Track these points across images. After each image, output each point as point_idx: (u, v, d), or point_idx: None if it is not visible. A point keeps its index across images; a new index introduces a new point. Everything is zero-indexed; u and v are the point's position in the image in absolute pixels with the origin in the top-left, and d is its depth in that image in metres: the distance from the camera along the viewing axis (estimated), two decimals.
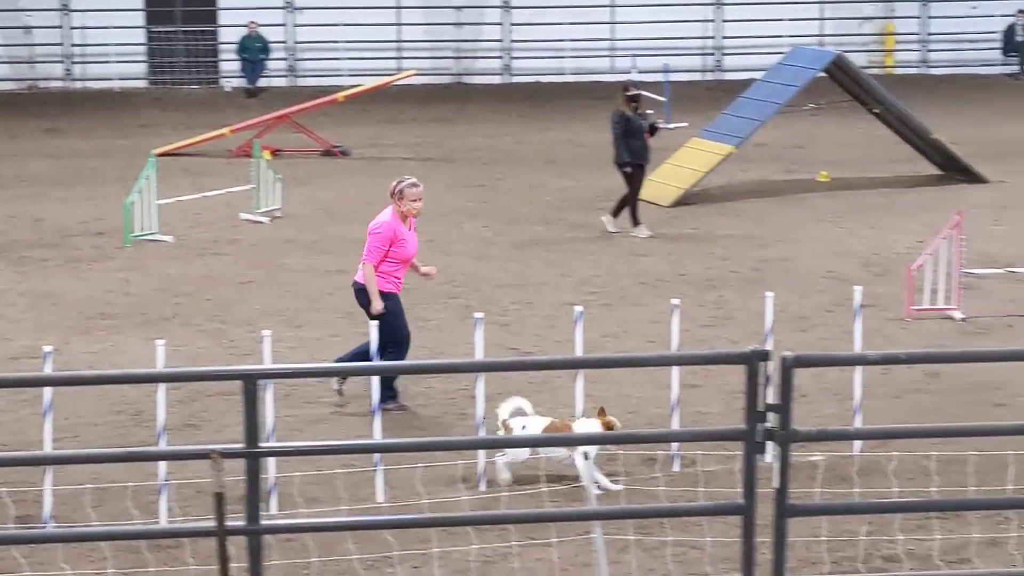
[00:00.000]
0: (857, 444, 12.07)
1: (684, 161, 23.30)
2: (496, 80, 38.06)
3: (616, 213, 20.80)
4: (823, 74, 24.32)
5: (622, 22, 37.61)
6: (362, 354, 12.95)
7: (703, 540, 10.15)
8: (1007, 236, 20.34)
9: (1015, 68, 37.18)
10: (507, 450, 11.51)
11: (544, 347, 15.53)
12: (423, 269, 13.92)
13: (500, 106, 34.40)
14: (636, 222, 20.62)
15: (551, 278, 18.54)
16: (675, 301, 11.97)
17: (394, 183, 13.49)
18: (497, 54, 38.29)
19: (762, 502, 7.57)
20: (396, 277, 13.49)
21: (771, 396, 7.55)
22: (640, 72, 32.08)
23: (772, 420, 7.40)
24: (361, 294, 13.48)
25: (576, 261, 19.40)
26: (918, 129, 24.46)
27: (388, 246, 13.30)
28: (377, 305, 13.24)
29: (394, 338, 13.22)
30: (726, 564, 9.86)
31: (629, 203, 20.74)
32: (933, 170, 24.75)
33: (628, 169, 20.53)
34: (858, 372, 12.33)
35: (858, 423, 12.13)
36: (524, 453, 11.57)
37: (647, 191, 21.49)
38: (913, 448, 11.62)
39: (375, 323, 11.94)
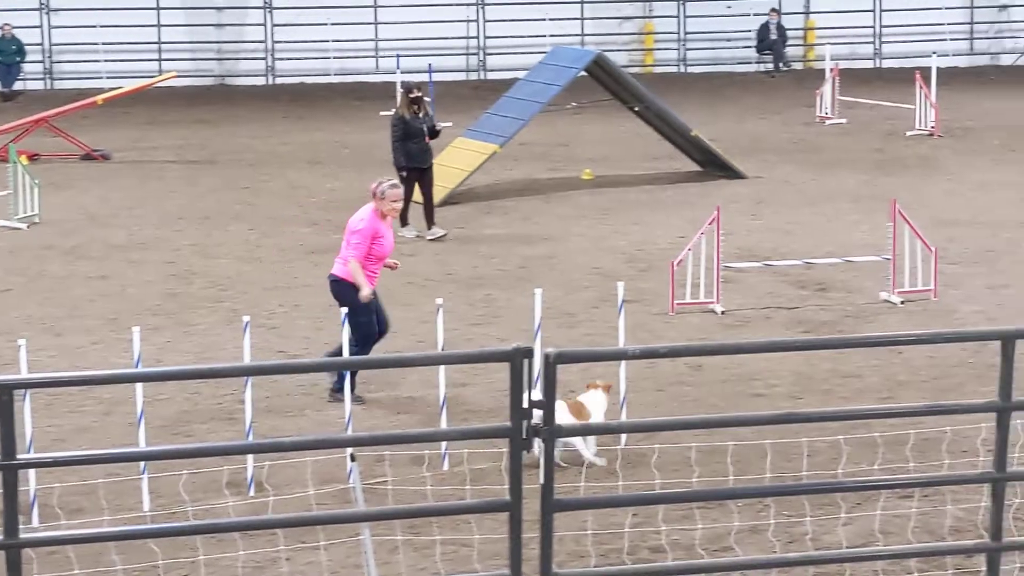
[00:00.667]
0: (623, 437, 12.27)
1: (449, 161, 23.36)
2: (259, 81, 37.71)
3: (404, 221, 20.51)
4: (584, 73, 24.62)
5: (386, 22, 37.58)
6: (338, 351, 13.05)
7: (472, 538, 10.20)
8: (764, 230, 20.84)
9: (769, 66, 38.12)
10: None
11: (313, 349, 15.45)
12: (388, 262, 14.28)
13: (264, 107, 34.09)
14: (404, 223, 20.57)
15: (319, 280, 18.36)
16: (440, 301, 12.02)
17: (375, 184, 13.94)
18: (260, 55, 37.94)
19: (531, 498, 7.64)
20: (372, 271, 13.90)
21: (537, 392, 7.62)
22: (404, 72, 32.04)
23: (537, 416, 7.46)
24: (337, 286, 13.83)
25: None
26: (678, 127, 24.92)
27: (371, 242, 13.74)
28: (366, 291, 13.66)
29: (360, 332, 13.52)
30: (495, 561, 9.92)
31: (424, 204, 20.57)
32: (693, 166, 25.23)
33: (404, 173, 20.41)
34: (622, 366, 12.52)
35: (624, 416, 12.32)
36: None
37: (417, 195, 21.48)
38: (677, 440, 11.86)
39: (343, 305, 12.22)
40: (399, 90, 21.08)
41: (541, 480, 7.38)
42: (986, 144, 27.60)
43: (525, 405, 7.37)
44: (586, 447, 11.83)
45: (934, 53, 31.53)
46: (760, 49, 38.27)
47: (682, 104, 30.10)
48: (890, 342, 8.94)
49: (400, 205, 14.32)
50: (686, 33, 38.98)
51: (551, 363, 7.34)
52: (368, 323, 13.82)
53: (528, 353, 7.30)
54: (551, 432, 7.32)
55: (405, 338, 15.75)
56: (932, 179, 24.38)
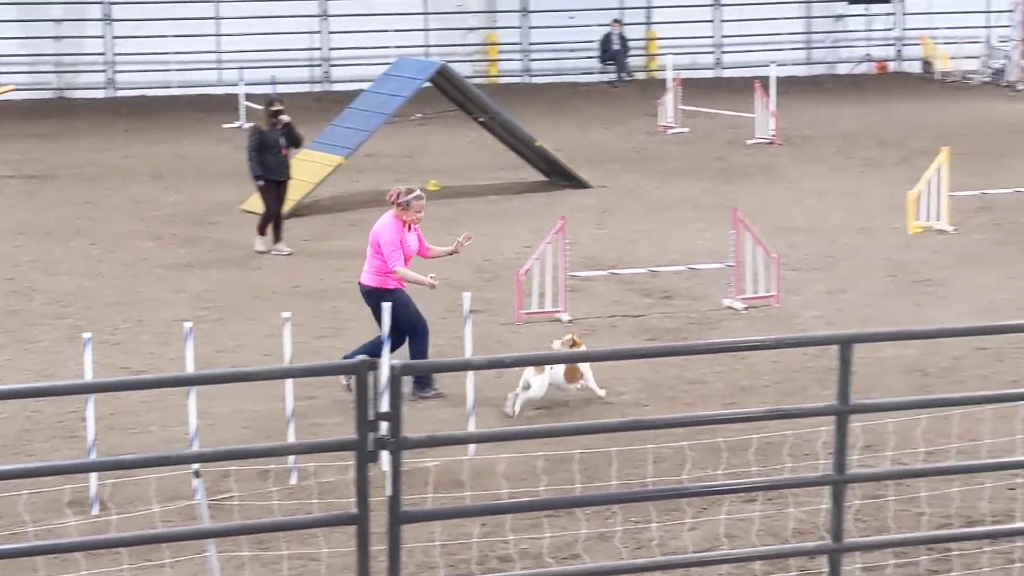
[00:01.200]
0: (472, 447, 12.29)
1: (295, 173, 23.18)
2: (100, 94, 37.18)
3: (262, 231, 20.39)
4: (429, 84, 24.63)
5: (228, 34, 37.28)
6: (376, 347, 13.16)
7: (321, 552, 10.15)
8: (609, 239, 21.01)
9: (613, 76, 38.45)
10: (533, 384, 13.39)
11: (157, 365, 15.27)
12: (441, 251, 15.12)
13: (105, 120, 33.60)
14: (278, 238, 20.36)
15: (162, 295, 18.23)
16: (286, 314, 11.94)
17: (395, 193, 14.38)
18: (100, 67, 37.41)
19: (380, 510, 7.63)
20: (394, 276, 14.34)
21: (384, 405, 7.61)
22: (248, 84, 31.84)
23: (384, 428, 7.45)
24: (370, 296, 14.27)
25: (188, 277, 19.13)
26: (522, 137, 25.04)
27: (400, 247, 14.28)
28: (426, 280, 14.47)
29: (413, 327, 14.30)
30: (344, 574, 9.88)
31: (268, 219, 20.39)
32: (538, 176, 25.36)
33: (261, 183, 20.25)
34: (470, 377, 12.54)
35: (472, 427, 12.34)
36: (543, 389, 13.46)
37: (256, 203, 21.33)
38: (525, 449, 11.90)
39: (386, 318, 12.39)
40: (242, 104, 20.82)
41: (388, 492, 7.36)
42: (824, 152, 28.10)
43: (371, 417, 7.36)
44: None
45: (773, 63, 32.04)
46: (603, 59, 38.60)
47: (527, 114, 30.26)
48: (733, 348, 9.08)
49: (423, 216, 14.62)
50: (530, 43, 39.19)
51: (396, 375, 7.34)
52: (416, 314, 14.40)
53: (373, 365, 7.28)
54: (398, 444, 7.32)
55: (251, 352, 15.64)
56: (773, 187, 24.76)
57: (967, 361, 14.93)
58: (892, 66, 40.49)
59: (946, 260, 19.41)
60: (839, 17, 40.62)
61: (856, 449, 10.90)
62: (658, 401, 14.01)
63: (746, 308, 17.13)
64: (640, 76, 39.18)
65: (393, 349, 13.29)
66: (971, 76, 37.67)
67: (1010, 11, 37.43)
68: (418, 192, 14.51)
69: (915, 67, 39.96)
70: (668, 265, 18.93)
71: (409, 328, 14.24)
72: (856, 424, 10.65)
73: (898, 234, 20.91)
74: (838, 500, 8.07)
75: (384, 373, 7.45)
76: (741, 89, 33.90)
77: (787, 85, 35.01)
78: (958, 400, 9.58)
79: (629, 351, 9.65)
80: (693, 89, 34.50)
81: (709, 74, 39.48)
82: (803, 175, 25.72)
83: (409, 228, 14.43)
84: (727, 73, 39.41)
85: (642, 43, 39.75)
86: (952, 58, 38.08)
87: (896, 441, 11.25)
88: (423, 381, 14.08)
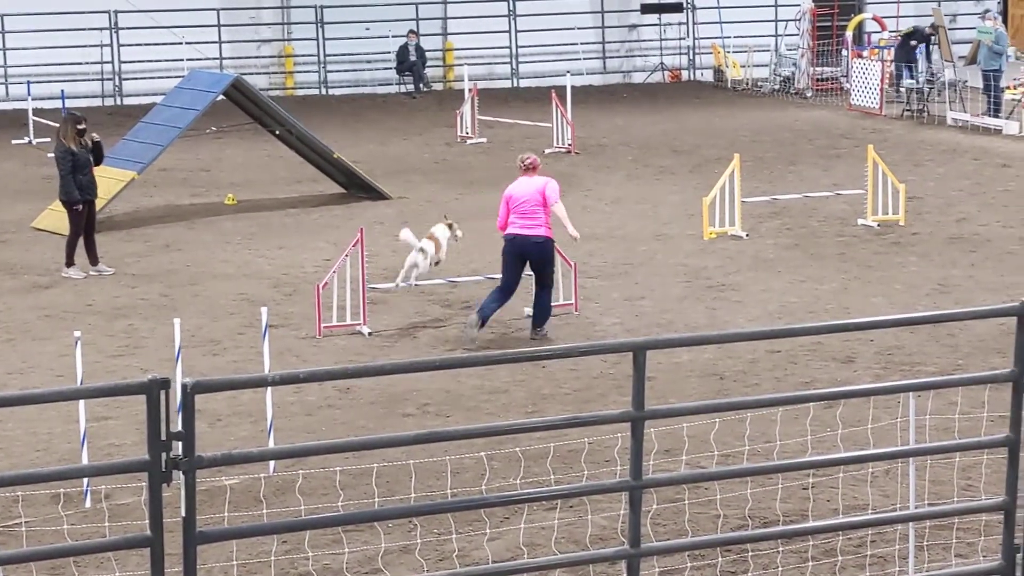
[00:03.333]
0: (272, 464, 12.17)
1: None
2: None
3: (71, 260, 19.74)
4: (223, 97, 24.37)
5: (15, 48, 36.47)
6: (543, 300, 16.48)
7: None
8: (409, 250, 20.92)
9: (410, 87, 38.46)
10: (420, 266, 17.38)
11: None
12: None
13: None
14: (95, 260, 19.82)
15: None
16: (78, 333, 11.71)
17: (532, 157, 16.90)
18: None
19: (177, 531, 7.50)
20: None
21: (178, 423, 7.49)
22: (37, 99, 31.18)
23: (178, 448, 7.33)
24: (546, 246, 16.37)
25: None
26: (320, 149, 24.90)
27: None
28: (575, 231, 16.77)
29: (551, 277, 16.72)
30: None
31: (75, 244, 19.81)
32: (337, 189, 25.25)
33: (79, 207, 19.70)
34: (268, 393, 12.43)
35: (271, 443, 12.23)
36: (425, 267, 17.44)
37: (47, 221, 20.86)
38: (326, 464, 11.83)
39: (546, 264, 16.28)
40: (31, 119, 20.31)
41: (183, 512, 7.25)
42: (620, 160, 28.43)
43: (164, 437, 7.24)
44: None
45: (568, 72, 32.35)
46: (400, 71, 38.58)
47: (324, 126, 30.14)
48: (528, 358, 9.14)
49: None
50: (326, 55, 39.01)
51: (189, 393, 7.23)
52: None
53: (165, 384, 7.16)
54: (191, 464, 7.21)
55: (42, 374, 15.31)
56: (570, 195, 24.91)
57: (761, 364, 15.23)
58: (685, 75, 41.15)
59: (740, 265, 19.77)
60: (633, 27, 41.17)
61: (653, 454, 11.05)
62: (459, 411, 14.03)
63: None
64: (438, 87, 39.25)
65: (494, 312, 16.30)
66: (761, 84, 38.44)
67: (797, 20, 38.26)
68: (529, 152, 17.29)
69: (707, 75, 40.65)
70: (469, 275, 18.98)
71: (551, 278, 16.64)
72: (653, 429, 10.81)
73: (693, 240, 21.25)
74: (635, 505, 8.15)
75: (178, 392, 7.34)
76: (538, 99, 34.20)
77: (583, 94, 35.41)
78: (750, 403, 9.75)
79: (429, 363, 9.65)
80: (491, 99, 34.69)
81: (506, 84, 39.70)
82: (600, 183, 26.00)
83: None
84: (524, 83, 39.68)
85: (439, 54, 39.83)
86: (743, 66, 38.83)
87: (693, 445, 11.42)
88: (543, 320, 16.53)
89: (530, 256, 16.42)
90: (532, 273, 16.60)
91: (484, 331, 16.49)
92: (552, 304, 16.74)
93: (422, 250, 17.91)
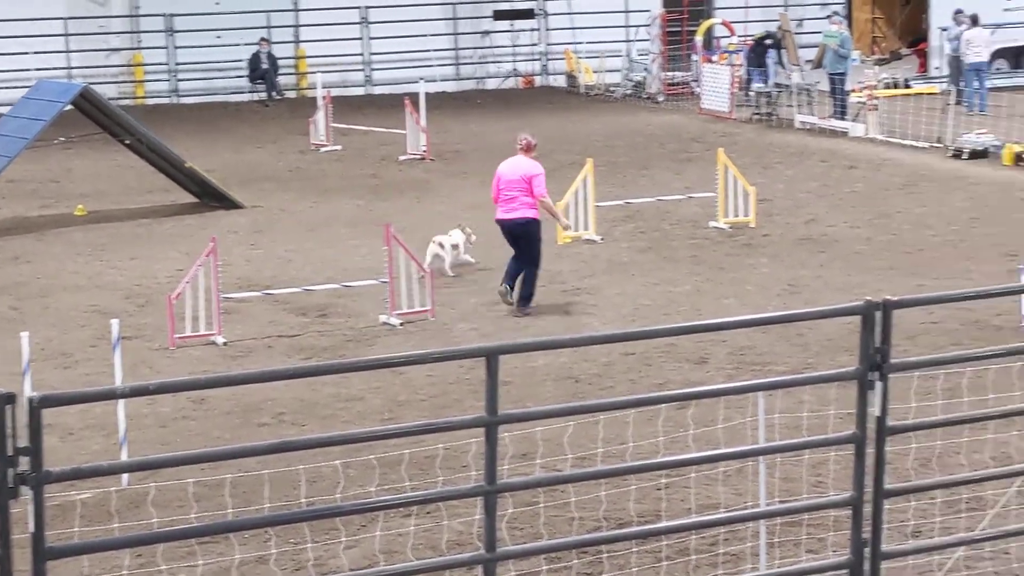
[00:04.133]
0: (125, 478, 12.03)
1: None
2: None
3: None
4: (72, 107, 24.05)
5: None
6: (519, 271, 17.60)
7: None
8: (264, 259, 20.88)
9: (263, 95, 38.23)
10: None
11: None
12: None
13: None
14: None
15: None
16: None
17: (529, 139, 17.79)
18: None
19: (27, 547, 7.39)
20: None
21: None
22: None
23: (25, 463, 7.23)
24: (529, 227, 17.50)
25: None
26: (172, 159, 24.66)
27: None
28: (565, 220, 18.97)
29: (537, 256, 17.75)
30: None
31: None
32: (190, 198, 25.03)
33: None
34: (120, 406, 12.29)
35: (124, 456, 12.08)
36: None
37: None
38: (179, 476, 11.71)
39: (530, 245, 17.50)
40: None
41: (32, 528, 7.15)
42: (475, 166, 28.46)
43: (10, 452, 7.13)
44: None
45: (421, 79, 32.37)
46: (252, 78, 38.33)
47: (176, 136, 29.86)
48: (382, 364, 9.13)
49: None
50: (176, 64, 38.63)
51: (35, 408, 7.13)
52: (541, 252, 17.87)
53: (10, 398, 7.06)
54: (39, 479, 7.11)
55: None
56: (426, 202, 24.99)
57: (616, 366, 15.36)
58: (538, 80, 41.37)
59: (594, 268, 19.92)
60: (486, 33, 41.29)
61: (508, 458, 11.10)
62: (315, 420, 13.99)
63: (402, 323, 17.25)
64: (291, 95, 39.06)
65: (516, 276, 17.58)
66: (613, 89, 38.76)
67: (647, 25, 38.64)
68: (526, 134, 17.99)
69: (560, 81, 40.90)
70: (323, 283, 18.92)
71: (536, 256, 17.69)
72: (508, 433, 10.85)
73: (548, 245, 21.33)
74: (490, 510, 8.18)
75: (24, 406, 7.24)
76: (392, 106, 34.17)
77: (437, 101, 35.43)
78: (604, 405, 9.83)
79: (283, 372, 9.62)
80: (344, 106, 34.60)
81: (360, 91, 39.61)
82: (455, 189, 26.04)
83: None
84: (377, 90, 39.62)
85: (291, 61, 39.63)
86: (595, 72, 39.11)
87: (548, 448, 11.48)
88: (528, 299, 17.63)
89: (515, 235, 17.69)
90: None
91: (340, 337, 16.45)
92: (536, 284, 17.78)
93: (440, 244, 19.56)
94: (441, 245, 19.67)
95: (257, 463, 11.49)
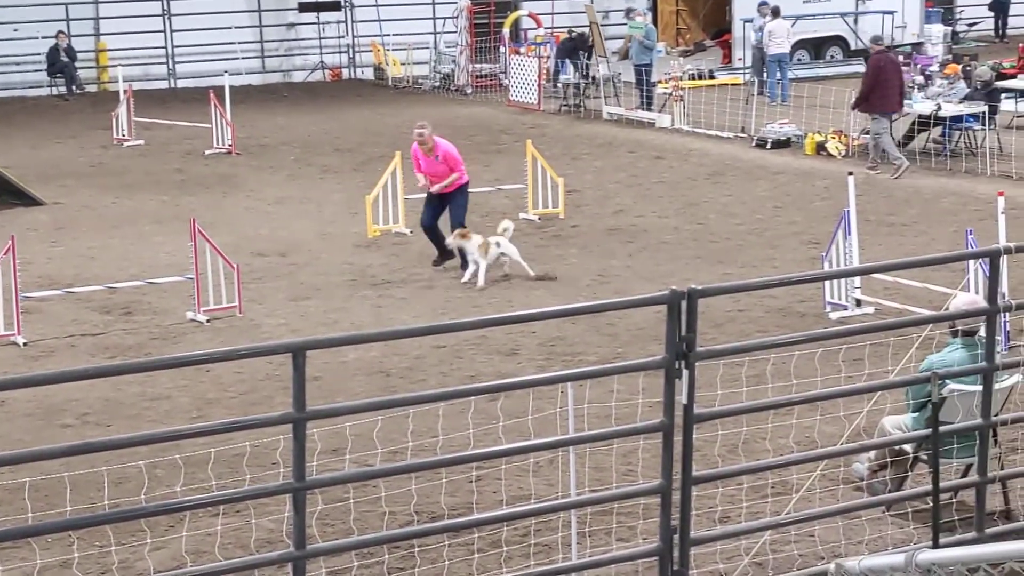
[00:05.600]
0: None
1: None
2: None
3: None
4: None
5: None
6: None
7: None
8: (65, 257, 20.44)
9: (63, 89, 37.43)
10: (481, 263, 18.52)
11: None
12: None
13: None
14: None
15: None
16: None
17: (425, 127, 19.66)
18: None
19: None
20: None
21: None
22: None
23: None
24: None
25: None
26: None
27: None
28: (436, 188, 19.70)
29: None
30: None
31: None
32: None
33: None
34: None
35: None
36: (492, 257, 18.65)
37: None
38: None
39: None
40: None
41: None
42: (282, 160, 28.25)
43: None
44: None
45: (226, 72, 31.97)
46: (51, 72, 37.52)
47: None
48: (189, 362, 8.96)
49: (420, 141, 19.62)
50: None
51: None
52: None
53: None
54: None
55: None
56: (232, 197, 24.69)
57: (427, 359, 15.31)
58: (346, 73, 41.16)
59: (404, 262, 19.86)
60: (291, 25, 40.96)
61: (317, 454, 10.98)
62: (121, 420, 13.70)
63: (209, 320, 17.00)
64: (92, 88, 38.31)
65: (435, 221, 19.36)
66: (422, 81, 38.72)
67: (455, 17, 38.66)
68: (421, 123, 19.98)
69: (368, 74, 40.74)
70: (128, 280, 18.57)
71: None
72: (317, 430, 10.72)
73: (358, 238, 21.26)
74: (299, 507, 8.07)
75: None
76: (196, 99, 33.72)
77: (243, 94, 35.08)
78: (413, 399, 9.77)
79: (85, 371, 9.39)
80: (147, 100, 34.05)
81: (163, 85, 39.03)
82: (263, 184, 25.78)
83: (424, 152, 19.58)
84: (181, 83, 39.07)
85: (92, 55, 38.87)
86: (403, 64, 39.03)
87: (358, 443, 11.38)
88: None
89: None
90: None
91: (146, 334, 16.17)
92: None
93: (497, 244, 18.86)
94: (499, 244, 18.80)
95: (60, 465, 11.20)
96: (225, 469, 11.64)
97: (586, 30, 36.70)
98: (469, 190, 20.13)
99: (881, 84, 25.22)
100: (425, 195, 19.75)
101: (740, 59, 38.21)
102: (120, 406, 14.09)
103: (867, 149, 26.23)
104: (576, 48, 35.90)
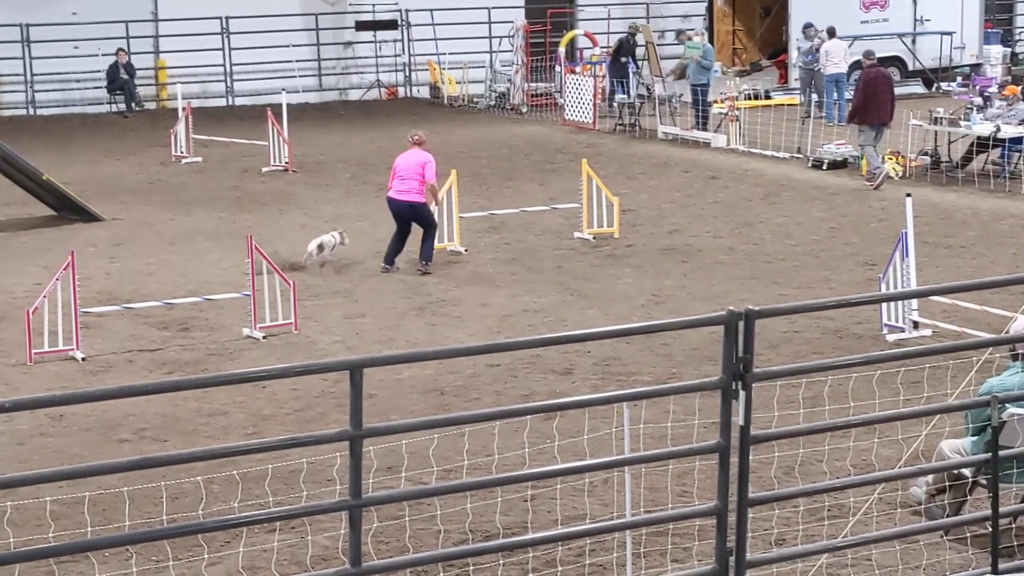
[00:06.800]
0: None
1: None
2: None
3: None
4: None
5: None
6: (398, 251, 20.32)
7: None
8: (124, 272, 20.57)
9: (122, 106, 37.72)
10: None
11: None
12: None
13: None
14: None
15: None
16: None
17: (421, 135, 20.64)
18: None
19: None
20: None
21: None
22: None
23: None
24: (415, 208, 20.03)
25: None
26: (28, 171, 24.23)
27: None
28: (437, 203, 20.64)
29: (433, 223, 20.36)
30: None
31: None
32: (47, 211, 24.61)
33: None
34: None
35: None
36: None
37: None
38: (39, 494, 11.48)
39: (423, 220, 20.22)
40: None
41: None
42: (338, 178, 28.36)
43: None
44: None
45: (283, 90, 32.13)
46: (111, 90, 37.82)
47: (33, 148, 29.38)
48: (247, 379, 9.01)
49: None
50: (33, 75, 38.00)
51: None
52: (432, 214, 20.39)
53: None
54: None
55: None
56: (288, 214, 24.80)
57: (481, 378, 15.32)
58: (401, 91, 41.28)
59: (459, 280, 19.89)
60: (348, 44, 41.12)
61: (373, 472, 11.01)
62: (177, 435, 13.78)
63: (265, 337, 17.08)
64: (151, 106, 38.60)
65: (395, 255, 20.23)
66: (477, 100, 38.80)
67: (510, 36, 38.73)
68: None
69: (423, 92, 40.85)
70: (185, 296, 18.69)
71: (432, 222, 20.27)
72: (373, 447, 10.76)
73: (413, 256, 21.31)
74: (355, 524, 8.10)
75: None
76: (254, 117, 33.91)
77: (299, 112, 35.24)
78: (468, 418, 9.79)
79: (144, 387, 9.48)
80: (205, 118, 34.27)
81: (221, 102, 39.26)
82: (318, 201, 25.88)
83: None
84: (239, 101, 39.28)
85: (151, 72, 39.17)
86: (458, 83, 39.12)
87: (413, 461, 11.42)
88: (426, 256, 20.19)
89: (404, 215, 20.11)
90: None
91: (203, 351, 16.25)
92: (435, 244, 20.41)
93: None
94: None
95: (118, 480, 11.28)
96: (281, 485, 11.70)
97: (622, 39, 36.67)
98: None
99: (872, 97, 26.20)
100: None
101: (797, 79, 38.11)
102: (177, 422, 14.17)
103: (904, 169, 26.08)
104: (624, 63, 35.84)
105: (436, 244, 20.74)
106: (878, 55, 38.58)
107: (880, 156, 26.72)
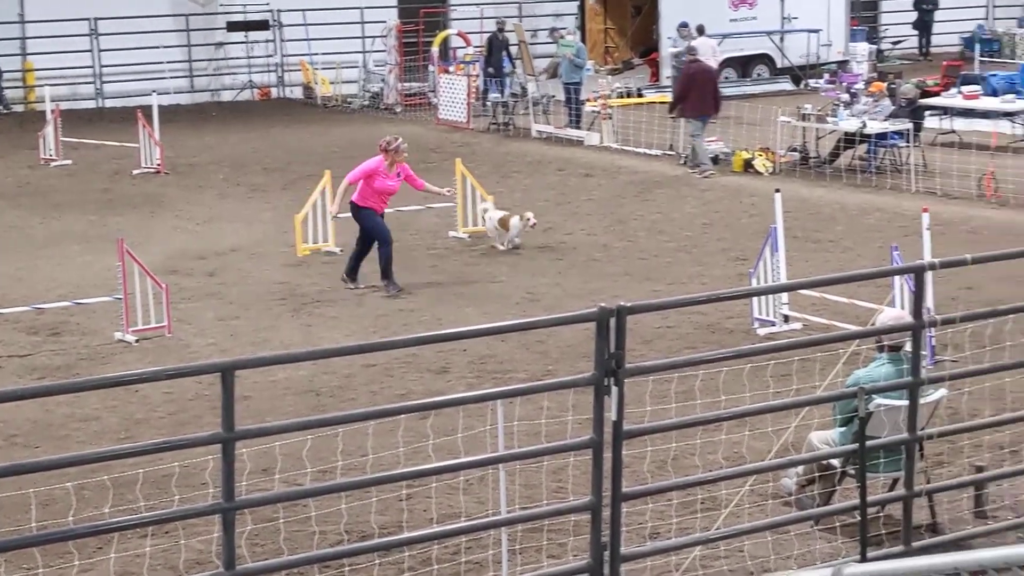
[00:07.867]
0: None
1: None
2: None
3: None
4: None
5: None
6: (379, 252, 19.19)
7: None
8: None
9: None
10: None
11: None
12: (434, 189, 20.45)
13: None
14: None
15: None
16: None
17: (389, 140, 19.39)
18: None
19: None
20: (378, 201, 19.23)
21: None
22: None
23: None
24: (354, 211, 19.23)
25: None
26: None
27: (364, 177, 19.01)
28: (333, 208, 20.09)
29: (380, 237, 19.15)
30: None
31: None
32: None
33: None
34: None
35: None
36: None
37: None
38: None
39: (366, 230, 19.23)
40: None
41: None
42: (211, 179, 28.13)
43: None
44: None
45: (154, 91, 31.80)
46: None
47: None
48: (117, 382, 8.91)
49: (406, 155, 19.55)
50: None
51: None
52: (381, 228, 19.18)
53: None
54: None
55: None
56: (160, 216, 24.56)
57: (358, 378, 15.29)
58: (274, 92, 41.03)
59: (334, 281, 19.81)
60: (219, 45, 40.78)
61: (247, 474, 10.95)
62: (49, 441, 13.59)
63: (138, 340, 16.90)
64: (18, 108, 38.01)
65: (364, 254, 19.29)
66: (351, 100, 38.66)
67: (383, 36, 38.64)
68: (401, 139, 19.56)
69: (297, 93, 40.64)
70: (56, 301, 18.44)
71: (378, 237, 19.15)
72: (246, 449, 10.70)
73: (287, 257, 21.21)
74: (228, 527, 8.06)
75: None
76: (124, 119, 33.52)
77: (171, 114, 34.88)
78: (342, 418, 9.77)
79: (14, 392, 9.34)
80: (75, 120, 33.84)
81: (91, 104, 38.76)
82: (191, 203, 25.66)
83: (398, 171, 19.23)
84: (109, 103, 38.81)
85: (18, 74, 38.58)
86: (332, 83, 38.96)
87: (288, 463, 11.36)
88: (391, 278, 19.09)
89: (355, 220, 19.52)
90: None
91: (74, 355, 16.06)
92: (387, 259, 19.16)
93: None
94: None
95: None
96: (154, 490, 11.60)
97: (493, 32, 36.73)
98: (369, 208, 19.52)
99: (694, 90, 27.51)
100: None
101: (668, 77, 38.42)
102: (48, 427, 13.98)
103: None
104: (496, 51, 35.89)
105: (310, 245, 20.64)
106: (747, 52, 39.08)
107: (753, 154, 27.04)
